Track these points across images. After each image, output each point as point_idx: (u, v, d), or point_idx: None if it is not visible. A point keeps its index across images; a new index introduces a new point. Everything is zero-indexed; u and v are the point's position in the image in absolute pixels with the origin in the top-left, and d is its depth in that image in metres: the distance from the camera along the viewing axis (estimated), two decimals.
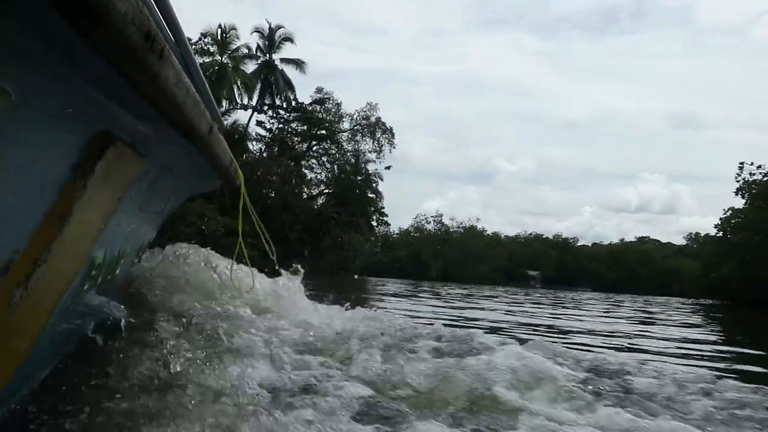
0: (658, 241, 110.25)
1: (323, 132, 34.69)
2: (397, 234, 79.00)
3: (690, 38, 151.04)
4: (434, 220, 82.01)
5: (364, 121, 36.82)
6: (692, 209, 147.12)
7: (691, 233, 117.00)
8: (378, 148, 37.02)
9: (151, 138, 1.57)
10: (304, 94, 36.66)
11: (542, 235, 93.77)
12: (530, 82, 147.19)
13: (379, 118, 37.11)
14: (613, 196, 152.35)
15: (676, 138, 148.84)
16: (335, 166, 36.55)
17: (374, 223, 39.35)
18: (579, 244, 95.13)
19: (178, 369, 2.12)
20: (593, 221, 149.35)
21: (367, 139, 36.94)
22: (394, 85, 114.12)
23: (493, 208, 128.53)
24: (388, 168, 37.42)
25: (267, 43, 35.36)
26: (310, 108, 35.30)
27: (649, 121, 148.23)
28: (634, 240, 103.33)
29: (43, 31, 0.91)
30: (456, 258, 71.48)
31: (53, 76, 1.07)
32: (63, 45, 0.96)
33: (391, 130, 37.18)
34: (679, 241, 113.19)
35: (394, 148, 37.68)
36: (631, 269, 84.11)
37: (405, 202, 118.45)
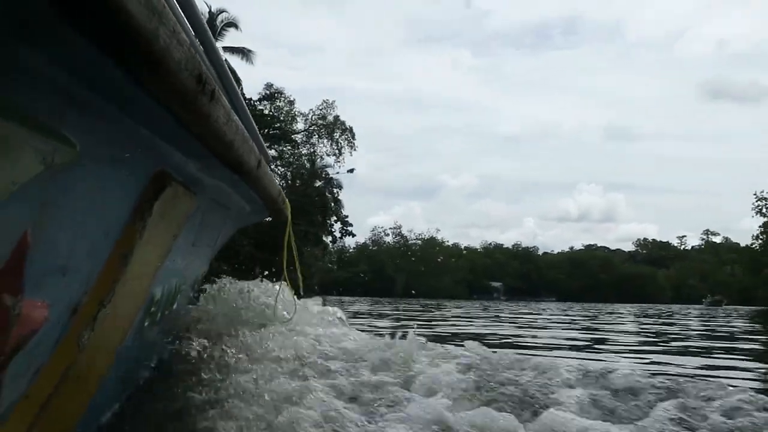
0: (607, 248, 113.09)
1: (276, 132, 30.69)
2: (353, 249, 75.67)
3: (620, 53, 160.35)
4: (393, 232, 79.21)
5: (320, 121, 33.15)
6: (629, 217, 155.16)
7: (639, 239, 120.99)
8: (337, 151, 33.42)
9: (203, 175, 1.66)
10: (252, 91, 32.79)
11: (502, 244, 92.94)
12: (469, 97, 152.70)
13: (338, 116, 33.73)
14: (554, 206, 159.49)
15: (611, 149, 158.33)
16: (289, 172, 32.57)
17: (337, 234, 35.48)
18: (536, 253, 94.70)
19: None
20: (536, 231, 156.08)
21: (325, 141, 33.33)
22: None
23: (437, 223, 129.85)
24: (351, 171, 33.90)
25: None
26: (260, 106, 31.28)
27: (584, 133, 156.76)
28: (583, 248, 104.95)
29: (104, 81, 0.99)
30: (418, 271, 68.65)
31: (112, 124, 1.15)
32: (121, 93, 1.04)
33: (351, 129, 33.73)
34: (628, 247, 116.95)
35: (354, 150, 34.20)
36: (594, 277, 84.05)
37: (350, 218, 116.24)
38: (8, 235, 0.99)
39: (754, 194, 47.79)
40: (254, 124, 2.11)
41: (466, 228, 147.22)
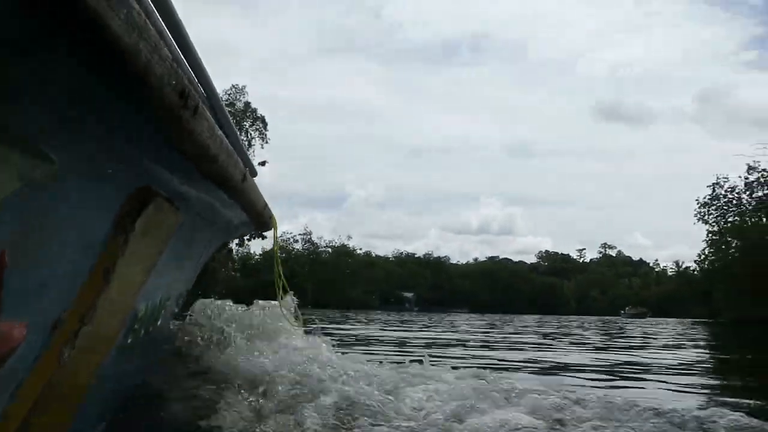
0: (510, 259, 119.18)
1: None
2: (259, 255, 73.55)
3: (522, 72, 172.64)
4: (302, 239, 77.80)
5: (228, 108, 31.56)
6: (527, 230, 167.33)
7: (541, 251, 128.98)
8: (246, 142, 32.02)
9: (187, 190, 1.68)
10: None
11: (414, 254, 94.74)
12: (378, 109, 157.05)
13: (249, 103, 32.31)
14: (456, 219, 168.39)
15: (512, 164, 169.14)
16: None
17: (246, 236, 33.88)
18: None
19: None
20: (438, 243, 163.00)
21: None
22: None
23: (343, 233, 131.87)
24: (262, 164, 32.45)
25: None
26: None
27: (488, 148, 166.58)
28: (486, 259, 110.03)
29: (84, 97, 1.01)
30: (329, 280, 67.93)
31: (93, 139, 1.16)
32: (102, 109, 1.06)
33: (263, 119, 32.54)
34: (528, 259, 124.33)
35: (266, 142, 33.03)
36: (507, 288, 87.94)
37: None
38: None
39: (696, 200, 44.30)
40: (239, 137, 2.17)
41: (371, 238, 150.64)
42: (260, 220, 2.69)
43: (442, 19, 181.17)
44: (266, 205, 2.64)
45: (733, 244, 41.29)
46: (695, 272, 52.68)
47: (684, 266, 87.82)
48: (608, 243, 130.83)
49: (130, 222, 1.45)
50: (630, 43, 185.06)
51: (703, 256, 45.53)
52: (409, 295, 79.75)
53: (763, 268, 34.13)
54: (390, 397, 2.58)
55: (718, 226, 43.30)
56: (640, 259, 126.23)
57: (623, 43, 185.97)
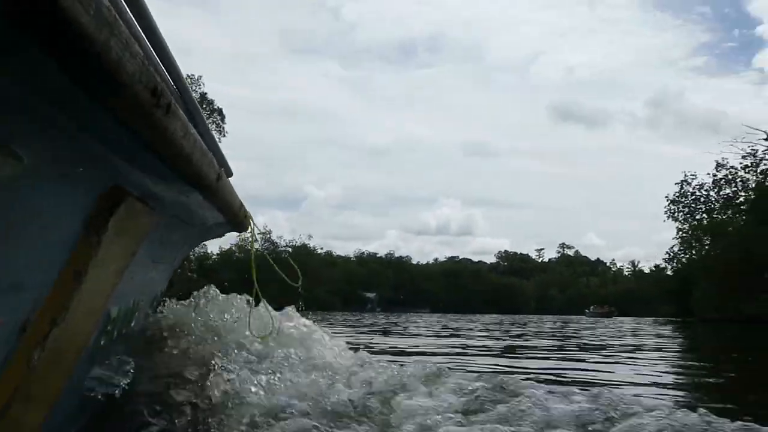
0: (470, 259, 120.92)
1: None
2: (216, 255, 72.30)
3: (479, 73, 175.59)
4: (262, 238, 76.78)
5: None
6: (485, 231, 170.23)
7: (500, 251, 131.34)
8: None
9: (161, 191, 1.66)
10: None
11: (376, 254, 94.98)
12: (337, 109, 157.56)
13: (205, 94, 31.66)
14: (415, 219, 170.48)
15: (469, 165, 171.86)
16: None
17: None
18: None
19: None
20: (398, 244, 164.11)
21: None
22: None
23: (301, 234, 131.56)
24: None
25: None
26: None
27: (446, 148, 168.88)
28: (446, 259, 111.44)
29: (53, 94, 1.00)
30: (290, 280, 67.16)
31: (63, 137, 1.15)
32: (72, 106, 1.05)
33: (220, 111, 31.96)
34: (487, 259, 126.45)
35: (224, 135, 32.42)
36: (467, 288, 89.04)
37: None
38: None
39: (666, 197, 44.06)
40: (213, 136, 2.14)
41: (331, 239, 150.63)
42: (236, 221, 2.68)
43: (399, 20, 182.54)
44: (242, 204, 2.62)
45: (707, 242, 41.29)
46: (654, 271, 53.08)
47: (639, 266, 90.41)
48: (566, 243, 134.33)
49: (102, 222, 1.43)
50: (585, 47, 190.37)
51: (672, 254, 45.70)
52: (371, 295, 79.85)
53: (744, 265, 34.29)
54: None
55: (687, 223, 43.19)
56: (597, 259, 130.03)
57: (579, 46, 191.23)
